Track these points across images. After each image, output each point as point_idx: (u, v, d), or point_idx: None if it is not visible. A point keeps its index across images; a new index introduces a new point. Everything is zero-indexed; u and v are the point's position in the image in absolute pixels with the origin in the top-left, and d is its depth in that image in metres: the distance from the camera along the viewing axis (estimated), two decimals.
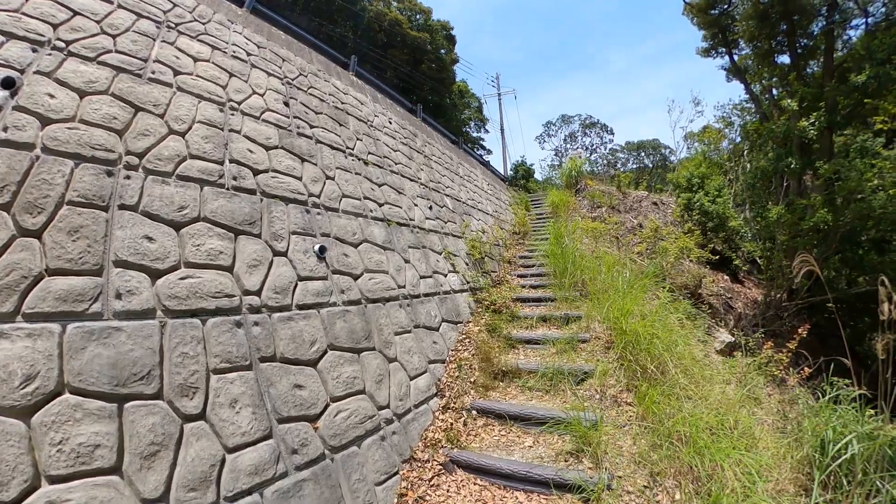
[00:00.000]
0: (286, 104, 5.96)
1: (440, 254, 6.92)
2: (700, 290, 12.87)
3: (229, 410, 2.95)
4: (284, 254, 4.30)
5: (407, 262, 5.91)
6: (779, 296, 14.75)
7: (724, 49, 20.19)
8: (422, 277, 5.98)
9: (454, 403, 4.74)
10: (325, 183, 5.52)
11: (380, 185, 6.67)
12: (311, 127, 6.14)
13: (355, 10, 24.64)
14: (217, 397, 2.93)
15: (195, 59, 4.89)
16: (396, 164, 7.77)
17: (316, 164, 5.64)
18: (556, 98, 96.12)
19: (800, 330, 6.88)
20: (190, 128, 4.16)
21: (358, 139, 7.13)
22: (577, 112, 61.54)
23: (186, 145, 4.00)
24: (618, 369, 4.93)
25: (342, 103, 7.61)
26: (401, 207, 6.75)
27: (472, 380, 5.12)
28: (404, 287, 5.50)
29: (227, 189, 4.16)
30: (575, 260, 7.37)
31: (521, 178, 24.21)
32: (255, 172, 4.60)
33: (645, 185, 28.17)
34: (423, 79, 27.08)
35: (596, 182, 18.22)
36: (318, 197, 5.25)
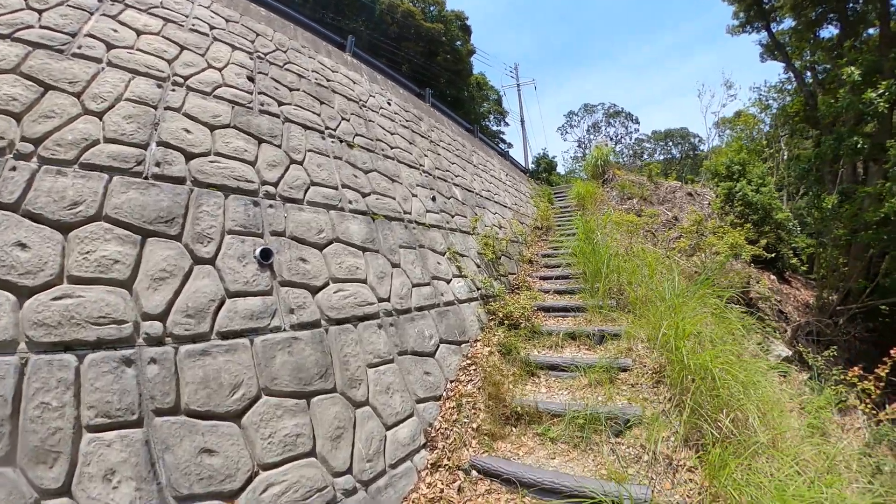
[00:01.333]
0: (251, 79, 4.89)
1: (443, 254, 5.66)
2: (749, 293, 11.27)
3: (103, 486, 2.10)
4: (210, 261, 3.15)
5: (395, 266, 4.67)
6: (831, 298, 12.93)
7: (759, 23, 18.32)
8: (415, 286, 4.73)
9: (448, 459, 3.49)
10: (287, 168, 4.34)
11: (367, 172, 5.45)
12: (281, 104, 5.02)
13: (366, 1, 23.59)
14: (87, 466, 2.11)
15: (139, 33, 4.15)
16: (392, 148, 6.54)
17: (279, 146, 4.48)
18: (576, 90, 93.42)
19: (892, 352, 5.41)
20: (112, 106, 3.39)
21: (344, 119, 5.94)
22: (599, 101, 59.01)
23: (102, 127, 3.23)
24: (671, 412, 3.60)
25: (328, 80, 6.44)
26: (393, 198, 5.52)
27: (474, 425, 3.85)
28: (388, 300, 4.26)
29: (146, 178, 3.18)
30: (609, 260, 6.00)
31: (542, 170, 22.92)
32: (190, 157, 3.56)
33: (674, 175, 26.31)
34: (438, 70, 25.83)
35: (624, 172, 16.43)
36: (275, 185, 4.08)
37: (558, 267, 8.07)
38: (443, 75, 26.13)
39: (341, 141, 5.47)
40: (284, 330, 3.25)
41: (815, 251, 12.12)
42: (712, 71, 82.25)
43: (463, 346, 4.84)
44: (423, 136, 8.13)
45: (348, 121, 6.01)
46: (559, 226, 11.72)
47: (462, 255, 6.08)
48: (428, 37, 25.52)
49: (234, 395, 2.71)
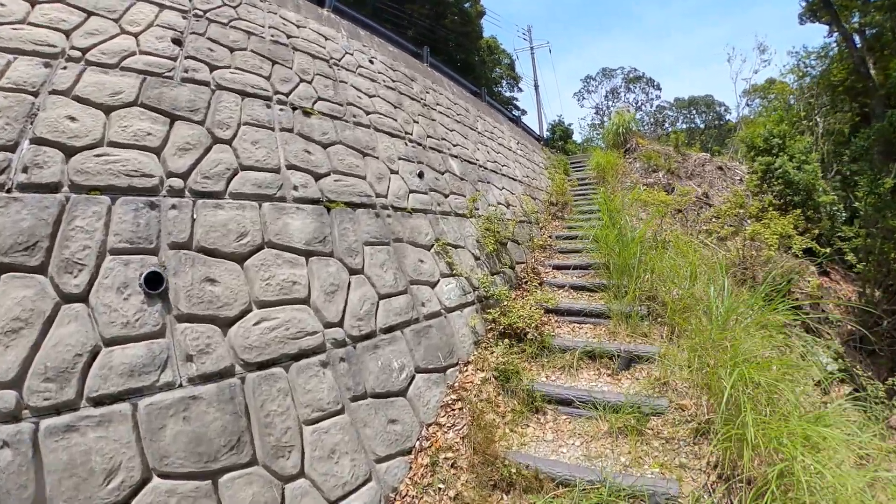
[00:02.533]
0: (177, 42, 3.85)
1: (428, 248, 4.49)
2: (791, 290, 9.93)
3: None
4: (81, 297, 2.34)
5: (355, 272, 3.52)
6: (875, 294, 11.47)
7: None
8: (383, 298, 3.59)
9: None
10: (206, 151, 3.24)
11: (327, 146, 4.26)
12: (215, 68, 3.90)
13: None
14: None
15: (34, 3, 3.25)
16: (369, 113, 5.30)
17: (199, 123, 3.35)
18: (591, 55, 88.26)
19: None
20: None
21: (303, 81, 4.72)
22: (619, 65, 55.56)
23: None
24: (718, 489, 2.52)
25: (289, 37, 5.19)
26: (362, 177, 4.33)
27: (452, 493, 2.78)
28: (339, 324, 3.14)
29: (8, 191, 2.35)
30: (640, 254, 4.76)
31: (558, 138, 21.46)
32: (70, 153, 2.68)
33: (699, 146, 24.45)
34: (446, 33, 24.04)
35: (648, 141, 14.78)
36: (185, 176, 2.97)
37: (576, 254, 6.84)
38: (451, 38, 24.37)
39: (294, 108, 4.26)
40: (180, 386, 2.30)
41: (863, 242, 10.57)
42: (735, 37, 76.98)
43: (449, 372, 3.72)
44: (414, 99, 6.84)
45: (309, 83, 4.79)
46: (577, 201, 10.41)
47: (455, 247, 4.90)
48: None
49: (109, 485, 1.91)
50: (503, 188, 7.81)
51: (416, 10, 23.58)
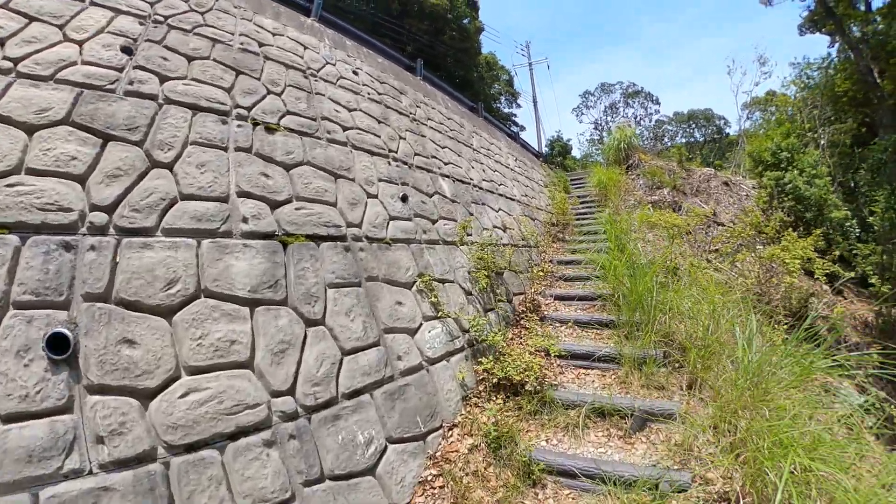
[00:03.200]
0: (126, 50, 3.36)
1: (409, 286, 3.90)
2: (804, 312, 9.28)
3: None
4: None
5: (312, 323, 2.91)
6: (893, 312, 10.85)
7: None
8: (348, 354, 2.97)
9: None
10: (138, 179, 2.70)
11: (291, 167, 3.69)
12: (166, 80, 3.37)
13: None
14: None
15: None
16: (347, 129, 4.74)
17: (136, 144, 2.81)
18: (590, 72, 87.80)
19: None
20: None
21: (271, 93, 4.18)
22: (617, 80, 55.18)
23: None
24: None
25: (260, 45, 4.69)
26: (331, 204, 3.75)
27: None
28: (290, 392, 2.53)
29: None
30: (654, 290, 4.16)
31: (557, 154, 21.11)
32: None
33: (699, 160, 23.87)
34: (445, 49, 23.73)
35: (651, 156, 14.22)
36: (110, 211, 2.45)
37: (580, 281, 6.22)
38: (450, 54, 24.09)
39: (256, 124, 3.70)
40: (91, 473, 1.82)
41: (879, 259, 10.01)
42: (732, 50, 77.03)
43: (430, 439, 3.10)
44: (402, 114, 6.29)
45: (278, 95, 4.25)
46: (579, 221, 9.85)
47: (443, 282, 4.31)
48: (433, 14, 23.41)
49: None
50: (500, 210, 7.23)
51: (415, 25, 23.34)
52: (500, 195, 7.80)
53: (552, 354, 4.27)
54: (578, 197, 12.24)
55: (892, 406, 3.34)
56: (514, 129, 30.79)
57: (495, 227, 6.46)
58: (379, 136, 5.20)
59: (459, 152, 7.44)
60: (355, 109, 5.23)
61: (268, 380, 2.47)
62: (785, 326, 4.10)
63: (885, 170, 10.01)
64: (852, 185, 14.17)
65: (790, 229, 7.67)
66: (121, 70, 3.18)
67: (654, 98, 41.61)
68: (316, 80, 5.02)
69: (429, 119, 7.18)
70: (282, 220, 3.22)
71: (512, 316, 5.10)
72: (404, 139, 5.75)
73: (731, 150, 27.47)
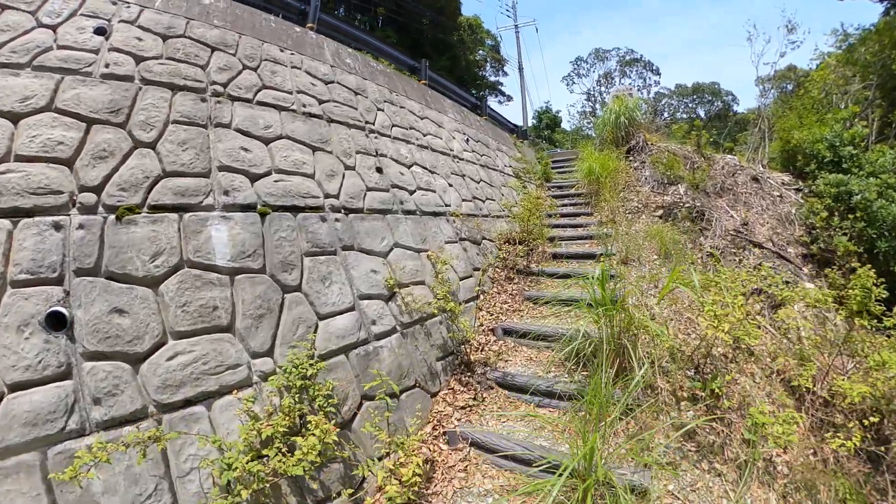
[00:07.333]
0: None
1: None
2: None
3: None
4: None
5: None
6: None
7: None
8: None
9: None
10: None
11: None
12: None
13: None
14: None
15: None
16: None
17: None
18: (582, 41, 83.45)
19: None
20: None
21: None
22: (613, 46, 48.65)
23: None
24: None
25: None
26: None
27: None
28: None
29: None
30: None
31: (545, 127, 19.39)
32: None
33: (706, 139, 21.28)
34: (420, 9, 20.78)
35: (659, 137, 10.58)
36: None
37: (552, 399, 3.54)
38: (427, 14, 21.13)
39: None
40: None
41: None
42: (742, 21, 73.18)
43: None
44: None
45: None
46: (558, 231, 7.19)
47: None
48: None
49: None
50: (393, 247, 4.30)
51: None
52: (409, 213, 4.86)
53: None
54: (560, 187, 9.65)
55: None
56: (501, 98, 27.71)
57: (362, 296, 3.61)
58: None
59: (325, 142, 4.47)
60: None
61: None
62: None
63: None
64: None
65: (860, 264, 4.62)
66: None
67: (654, 67, 38.44)
68: None
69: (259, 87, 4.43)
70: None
71: None
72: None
73: (741, 129, 23.11)
